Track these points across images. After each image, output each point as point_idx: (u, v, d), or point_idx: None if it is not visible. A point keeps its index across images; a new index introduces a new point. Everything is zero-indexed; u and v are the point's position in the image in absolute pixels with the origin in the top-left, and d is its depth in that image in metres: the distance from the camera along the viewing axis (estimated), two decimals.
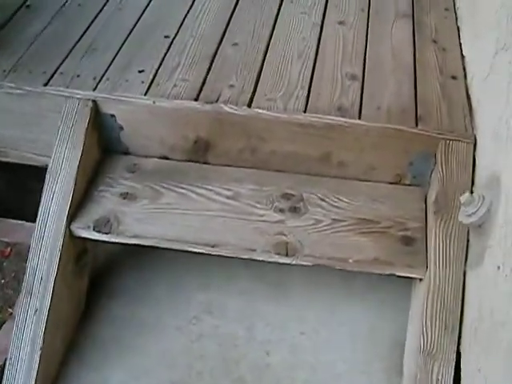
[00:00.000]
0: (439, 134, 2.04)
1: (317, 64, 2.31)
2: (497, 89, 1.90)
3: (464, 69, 2.30)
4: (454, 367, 1.83)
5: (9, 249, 2.39)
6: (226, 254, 2.01)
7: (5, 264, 2.35)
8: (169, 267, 2.31)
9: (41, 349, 1.94)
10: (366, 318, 2.21)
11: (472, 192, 1.94)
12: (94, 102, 2.13)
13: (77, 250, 2.11)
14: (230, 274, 2.30)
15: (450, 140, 2.03)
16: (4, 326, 2.15)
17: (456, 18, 2.55)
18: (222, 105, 2.11)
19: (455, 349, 1.84)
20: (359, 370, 2.08)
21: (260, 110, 2.10)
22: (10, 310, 2.21)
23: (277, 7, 2.59)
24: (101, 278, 2.31)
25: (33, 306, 1.97)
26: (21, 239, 2.39)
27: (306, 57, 2.34)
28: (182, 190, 2.13)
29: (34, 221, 2.04)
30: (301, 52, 2.36)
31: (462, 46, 2.40)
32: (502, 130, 1.78)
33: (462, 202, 1.81)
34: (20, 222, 2.47)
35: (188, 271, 2.31)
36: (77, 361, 2.11)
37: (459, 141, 2.03)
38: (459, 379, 1.84)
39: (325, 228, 2.04)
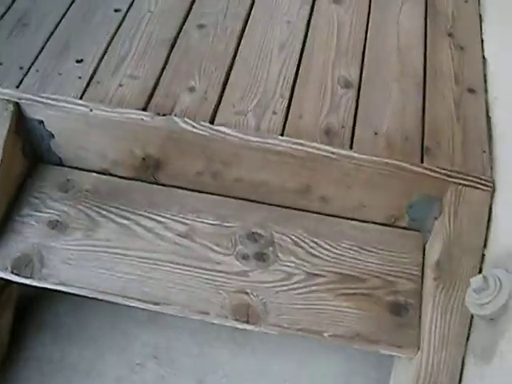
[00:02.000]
0: (449, 176, 1.62)
1: (302, 61, 1.84)
2: None
3: (485, 79, 1.84)
4: None
5: None
6: (172, 313, 1.62)
7: None
8: None
9: None
10: (339, 375, 1.86)
11: (483, 259, 1.55)
12: (17, 104, 1.67)
13: None
14: None
15: (463, 185, 1.61)
16: None
17: (479, 3, 2.05)
18: (177, 119, 1.65)
19: None
20: None
21: (225, 129, 1.65)
22: None
23: None
24: (28, 310, 1.93)
25: None
26: None
27: (290, 49, 1.86)
28: (125, 221, 1.71)
29: None
30: (283, 42, 1.88)
31: (485, 44, 1.92)
32: None
33: (472, 287, 1.41)
34: None
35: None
36: None
37: (474, 187, 1.61)
38: None
39: (297, 286, 1.64)
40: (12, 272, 1.63)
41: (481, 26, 1.97)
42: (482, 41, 1.93)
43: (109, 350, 1.87)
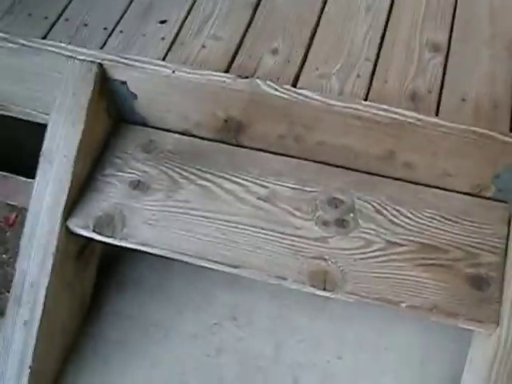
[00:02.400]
0: None
1: (389, 23, 1.80)
2: None
3: None
4: None
5: (14, 215, 2.01)
6: (250, 277, 1.63)
7: (8, 234, 1.98)
8: None
9: (29, 368, 1.64)
10: (416, 346, 1.83)
11: None
12: (101, 65, 1.69)
13: (77, 246, 1.76)
14: None
15: None
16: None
17: None
18: (260, 82, 1.63)
19: None
20: None
21: (308, 93, 1.62)
22: (7, 294, 1.88)
23: None
24: (111, 266, 1.97)
25: (22, 317, 1.65)
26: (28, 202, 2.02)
27: (377, 11, 1.82)
28: (206, 183, 1.72)
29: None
30: (370, 3, 1.83)
31: None
32: None
33: None
34: (28, 180, 2.07)
35: None
36: (76, 367, 1.82)
37: None
38: None
39: (376, 254, 1.61)
40: (94, 231, 1.66)
41: None
42: None
43: (187, 308, 1.89)
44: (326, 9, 1.83)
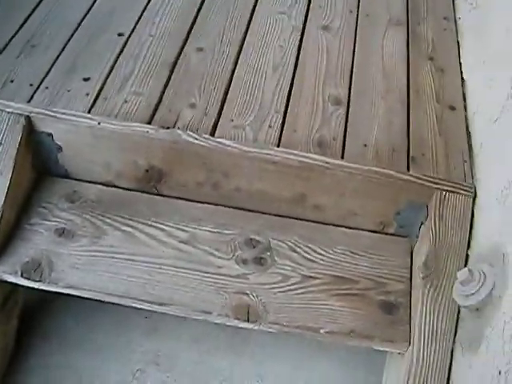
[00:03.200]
0: (434, 182, 1.74)
1: (295, 80, 1.98)
2: (509, 142, 1.60)
3: (464, 97, 1.99)
4: None
5: None
6: (176, 314, 1.71)
7: None
8: (113, 307, 1.97)
9: None
10: (335, 378, 1.94)
11: (468, 256, 1.67)
12: (28, 118, 1.77)
13: (3, 293, 1.79)
14: (180, 317, 1.98)
15: (447, 191, 1.74)
16: None
17: (456, 32, 2.21)
18: (180, 132, 1.77)
19: None
20: None
21: (225, 141, 1.76)
22: None
23: (252, 4, 2.23)
24: (34, 316, 1.99)
25: None
26: None
27: (283, 70, 2.00)
28: (129, 229, 1.80)
29: None
30: (277, 64, 2.02)
31: (463, 67, 2.08)
32: None
33: (459, 279, 1.53)
34: None
35: (135, 312, 1.97)
36: None
37: (457, 193, 1.74)
38: None
39: (294, 287, 1.74)
40: (22, 276, 1.70)
41: (459, 51, 2.13)
42: (460, 64, 2.09)
43: (112, 356, 1.93)
44: (238, 68, 1.99)
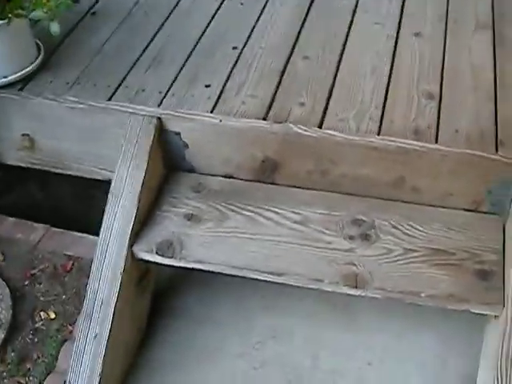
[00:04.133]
0: None
1: (391, 80, 2.20)
2: None
3: None
4: None
5: (71, 263, 2.33)
6: (293, 284, 1.93)
7: (66, 279, 2.29)
8: (232, 288, 2.24)
9: (99, 375, 1.90)
10: (435, 349, 2.11)
11: None
12: (159, 119, 2.06)
13: (139, 271, 2.06)
14: (295, 296, 2.21)
15: None
16: (64, 345, 2.10)
17: None
18: (292, 125, 2.02)
19: None
20: None
21: (332, 132, 2.00)
22: (70, 327, 2.16)
23: (350, 17, 2.48)
24: (162, 297, 2.26)
25: (93, 331, 1.93)
26: (83, 253, 2.33)
27: (380, 72, 2.23)
28: (249, 213, 2.05)
29: (97, 233, 2.00)
30: (374, 67, 2.25)
31: None
32: None
33: None
34: (83, 234, 2.41)
35: (252, 292, 2.24)
36: None
37: None
38: None
39: (397, 258, 1.94)
40: (157, 253, 1.98)
41: None
42: None
43: (232, 332, 2.16)
44: (339, 72, 2.24)
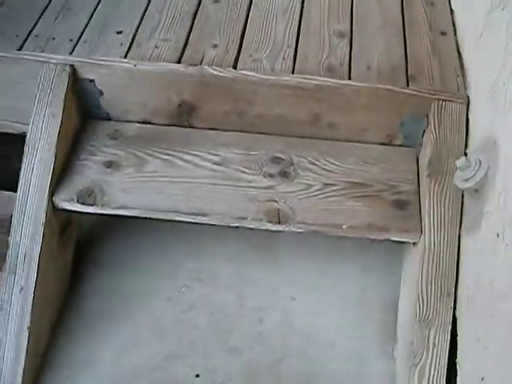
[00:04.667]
0: (431, 94, 1.99)
1: (302, 21, 2.23)
2: (491, 49, 1.83)
3: (454, 24, 2.24)
4: (450, 332, 1.81)
5: None
6: (216, 223, 1.95)
7: None
8: (155, 234, 2.25)
9: (28, 328, 1.88)
10: (356, 280, 2.19)
11: (466, 154, 1.90)
12: (72, 66, 2.03)
13: (61, 222, 2.04)
14: (217, 239, 2.25)
15: (443, 100, 1.97)
16: None
17: None
18: (207, 67, 2.02)
19: (451, 314, 1.82)
20: (352, 336, 2.06)
21: (246, 72, 2.02)
22: None
23: None
24: (86, 247, 2.25)
25: (18, 285, 1.90)
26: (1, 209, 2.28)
27: (292, 12, 2.26)
28: (168, 157, 2.05)
29: (12, 189, 1.97)
30: (285, 8, 2.28)
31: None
32: (499, 92, 1.72)
33: (458, 166, 1.77)
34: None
35: (175, 238, 2.25)
36: (65, 336, 2.06)
37: (452, 101, 1.98)
38: (454, 344, 1.83)
39: (316, 193, 1.98)
40: (78, 201, 1.96)
41: None
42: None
43: (158, 278, 2.18)
44: (251, 14, 2.25)
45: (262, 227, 1.94)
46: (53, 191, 1.95)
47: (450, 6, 2.31)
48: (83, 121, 2.14)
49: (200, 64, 2.04)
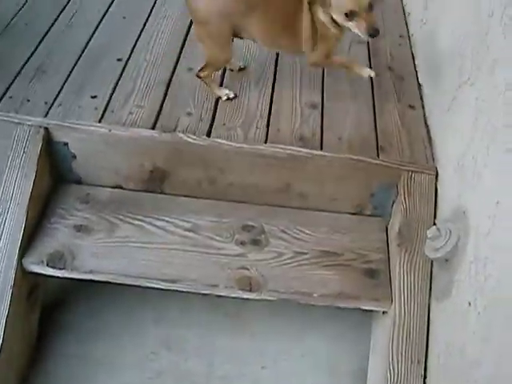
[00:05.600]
0: (401, 165, 2.04)
1: (275, 90, 2.28)
2: (459, 123, 1.90)
3: (421, 98, 2.30)
4: None
5: None
6: (187, 290, 1.95)
7: None
8: (123, 300, 2.22)
9: None
10: (327, 348, 2.19)
11: (435, 224, 1.94)
12: (46, 129, 2.03)
13: (29, 285, 2.01)
14: (186, 305, 2.23)
15: (412, 171, 2.03)
16: None
17: (410, 45, 2.56)
18: (181, 134, 2.04)
19: (422, 382, 1.83)
20: None
21: (220, 140, 2.04)
22: None
23: None
24: (52, 311, 2.21)
25: None
26: None
27: (264, 83, 2.30)
28: (139, 222, 2.05)
29: None
30: (258, 78, 2.32)
31: (418, 73, 2.41)
32: (468, 165, 1.78)
33: (428, 236, 1.81)
34: None
35: (143, 304, 2.23)
36: None
37: (421, 172, 2.03)
38: None
39: (287, 261, 2.00)
40: (48, 265, 1.94)
41: (414, 62, 2.46)
42: (416, 71, 2.41)
43: (126, 344, 2.14)
44: (224, 83, 2.29)
45: (234, 295, 1.94)
46: (22, 253, 1.94)
47: (418, 80, 2.38)
48: (55, 183, 2.13)
49: (174, 131, 2.06)
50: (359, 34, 1.89)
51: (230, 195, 2.13)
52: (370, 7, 1.86)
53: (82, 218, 2.05)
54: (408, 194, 2.00)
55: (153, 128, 2.07)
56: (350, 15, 1.87)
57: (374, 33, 1.85)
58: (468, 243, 1.70)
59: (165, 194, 2.15)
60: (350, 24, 1.89)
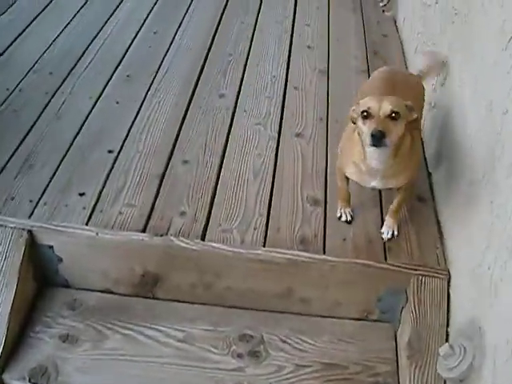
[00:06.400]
0: (410, 268, 1.90)
1: (275, 185, 2.15)
2: (474, 226, 1.76)
3: (431, 189, 2.17)
4: None
5: None
6: None
7: None
8: None
9: None
10: None
11: (447, 334, 1.80)
12: (30, 232, 1.91)
13: None
14: None
15: (423, 276, 1.89)
16: None
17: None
18: (173, 238, 1.91)
19: None
20: None
21: (215, 244, 1.91)
22: None
23: (229, 117, 2.43)
24: None
25: None
26: None
27: (263, 176, 2.18)
28: (129, 332, 1.92)
29: None
30: (257, 171, 2.20)
31: (428, 162, 2.28)
32: (483, 275, 1.64)
33: (441, 354, 1.67)
34: None
35: None
36: None
37: (432, 276, 1.89)
38: None
39: (288, 376, 1.85)
40: (30, 381, 1.79)
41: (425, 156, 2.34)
42: (426, 159, 2.28)
43: None
44: (221, 175, 2.17)
45: None
46: (3, 368, 1.81)
47: (428, 169, 2.25)
48: (41, 286, 2.00)
49: (166, 234, 1.93)
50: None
51: (226, 300, 1.99)
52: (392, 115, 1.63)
53: (68, 326, 1.92)
54: (418, 302, 1.86)
55: (143, 230, 1.94)
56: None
57: (376, 134, 1.58)
58: (484, 364, 1.56)
59: (157, 299, 2.01)
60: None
